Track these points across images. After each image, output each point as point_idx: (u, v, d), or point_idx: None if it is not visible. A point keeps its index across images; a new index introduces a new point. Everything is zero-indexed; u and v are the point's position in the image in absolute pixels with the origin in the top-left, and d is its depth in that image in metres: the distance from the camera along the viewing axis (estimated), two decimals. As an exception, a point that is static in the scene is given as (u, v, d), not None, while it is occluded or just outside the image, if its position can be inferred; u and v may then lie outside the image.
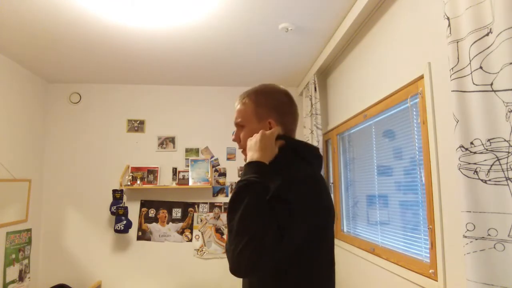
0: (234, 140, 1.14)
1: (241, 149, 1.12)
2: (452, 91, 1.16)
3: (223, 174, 3.67)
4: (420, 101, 1.66)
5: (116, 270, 3.43)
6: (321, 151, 2.96)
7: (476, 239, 1.06)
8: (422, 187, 1.68)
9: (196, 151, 3.67)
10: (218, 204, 3.62)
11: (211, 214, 3.60)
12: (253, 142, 1.01)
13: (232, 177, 3.68)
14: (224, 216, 3.59)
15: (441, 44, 1.46)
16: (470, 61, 1.10)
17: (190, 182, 3.50)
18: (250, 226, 0.84)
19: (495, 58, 1.03)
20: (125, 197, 3.52)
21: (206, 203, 3.61)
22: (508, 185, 1.00)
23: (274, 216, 0.86)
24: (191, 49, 2.81)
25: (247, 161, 0.99)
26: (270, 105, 1.07)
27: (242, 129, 1.10)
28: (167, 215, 3.56)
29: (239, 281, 1.13)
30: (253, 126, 1.07)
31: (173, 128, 3.69)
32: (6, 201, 2.89)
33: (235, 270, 0.84)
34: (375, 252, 2.17)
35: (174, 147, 3.66)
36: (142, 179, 3.51)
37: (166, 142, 3.67)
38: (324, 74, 3.24)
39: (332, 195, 3.08)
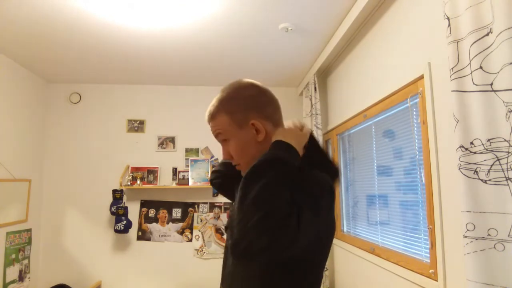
0: (225, 158, 0.98)
1: (237, 164, 0.96)
2: (452, 91, 1.16)
3: (223, 174, 3.67)
4: (420, 101, 1.66)
5: (116, 270, 3.43)
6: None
7: (476, 239, 1.06)
8: (422, 187, 1.68)
9: (196, 151, 3.67)
10: (218, 204, 3.62)
11: (211, 214, 3.59)
12: (291, 131, 0.91)
13: (232, 177, 3.67)
14: (224, 216, 3.60)
15: (441, 44, 1.46)
16: (470, 61, 1.10)
17: (190, 182, 3.50)
18: (273, 199, 0.70)
19: (495, 58, 1.03)
20: (125, 197, 3.52)
21: (206, 203, 3.61)
22: (508, 185, 1.00)
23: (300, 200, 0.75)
24: (191, 49, 2.81)
25: (278, 139, 0.86)
26: (243, 106, 0.93)
27: (228, 143, 0.95)
28: (167, 215, 3.56)
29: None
30: (237, 136, 0.93)
31: (173, 128, 3.69)
32: (6, 201, 2.89)
33: (243, 247, 0.67)
34: (375, 252, 2.17)
35: (174, 147, 3.65)
36: (142, 179, 3.51)
37: (166, 142, 3.67)
38: (324, 74, 3.24)
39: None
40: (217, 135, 0.97)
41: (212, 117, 0.97)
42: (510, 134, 0.99)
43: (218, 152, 3.70)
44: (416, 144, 1.74)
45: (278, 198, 0.71)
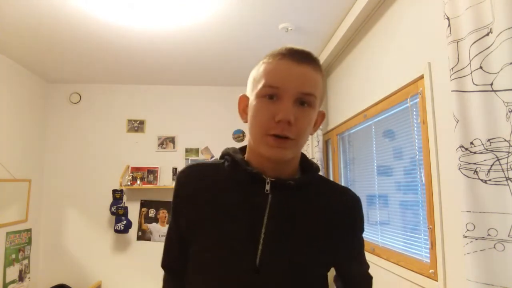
0: (289, 118, 0.67)
1: (292, 138, 0.70)
2: (452, 91, 1.16)
3: (223, 174, 3.67)
4: (420, 101, 1.66)
5: (116, 270, 3.43)
6: (321, 151, 2.96)
7: (476, 239, 1.06)
8: (422, 187, 1.68)
9: (196, 151, 3.67)
10: (218, 204, 3.61)
11: (211, 214, 3.59)
12: None
13: (232, 177, 3.67)
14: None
15: (441, 44, 1.46)
16: (470, 61, 1.10)
17: (190, 182, 3.49)
18: None
19: (495, 58, 1.03)
20: (125, 197, 3.52)
21: (206, 203, 3.61)
22: (508, 185, 1.00)
23: None
24: (191, 49, 2.81)
25: None
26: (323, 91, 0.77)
27: (305, 110, 0.71)
28: (167, 215, 3.56)
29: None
30: (315, 111, 0.74)
31: (173, 128, 3.69)
32: (6, 201, 2.89)
33: None
34: (375, 252, 2.17)
35: (174, 147, 3.65)
36: (142, 179, 3.51)
37: (166, 142, 3.67)
38: (324, 74, 3.23)
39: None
40: (308, 93, 0.70)
41: (315, 67, 0.72)
42: (510, 134, 0.99)
43: (218, 152, 3.69)
44: (416, 144, 1.74)
45: None
